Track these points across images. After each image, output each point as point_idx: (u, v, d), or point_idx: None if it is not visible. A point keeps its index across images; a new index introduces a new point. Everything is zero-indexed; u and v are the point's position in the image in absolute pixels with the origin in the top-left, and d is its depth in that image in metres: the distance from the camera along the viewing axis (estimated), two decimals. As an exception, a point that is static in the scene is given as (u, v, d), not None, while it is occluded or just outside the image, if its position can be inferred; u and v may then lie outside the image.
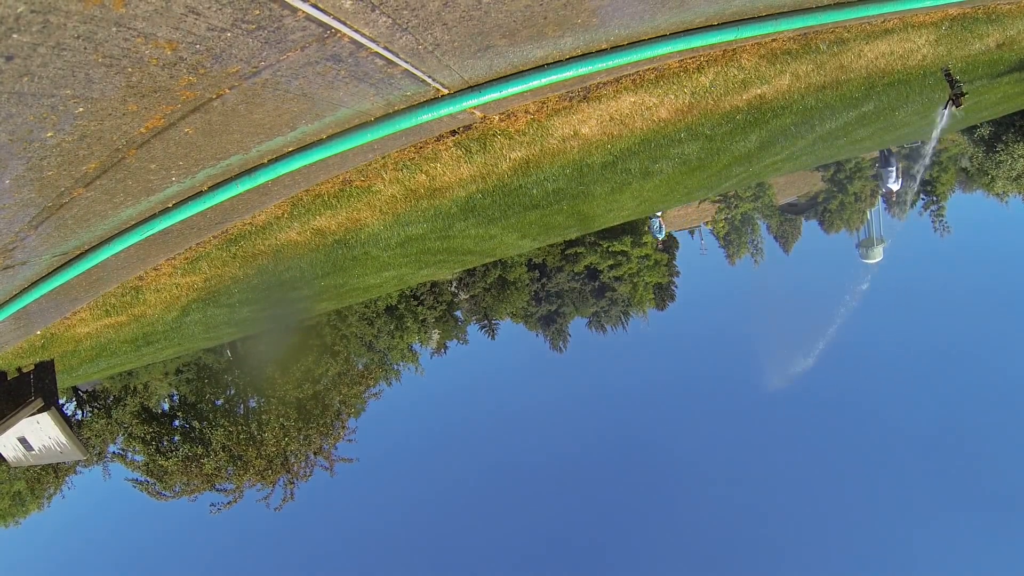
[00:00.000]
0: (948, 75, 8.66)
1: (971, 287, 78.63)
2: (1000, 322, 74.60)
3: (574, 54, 5.55)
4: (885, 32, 7.91)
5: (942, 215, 49.44)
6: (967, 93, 8.78)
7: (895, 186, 17.72)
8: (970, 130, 28.79)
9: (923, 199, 49.92)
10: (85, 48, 2.48)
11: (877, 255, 54.34)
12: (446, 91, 5.31)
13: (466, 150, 7.79)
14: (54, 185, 3.78)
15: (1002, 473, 65.44)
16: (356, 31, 3.45)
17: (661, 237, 43.70)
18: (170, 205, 5.65)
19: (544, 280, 51.28)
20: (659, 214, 36.10)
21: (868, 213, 53.77)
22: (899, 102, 10.54)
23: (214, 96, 3.52)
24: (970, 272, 79.56)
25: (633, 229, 47.38)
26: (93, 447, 28.84)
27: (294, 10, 2.93)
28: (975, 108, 14.79)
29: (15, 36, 2.21)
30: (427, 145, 7.67)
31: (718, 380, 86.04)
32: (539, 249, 46.24)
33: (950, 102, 8.84)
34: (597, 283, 52.58)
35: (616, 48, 5.70)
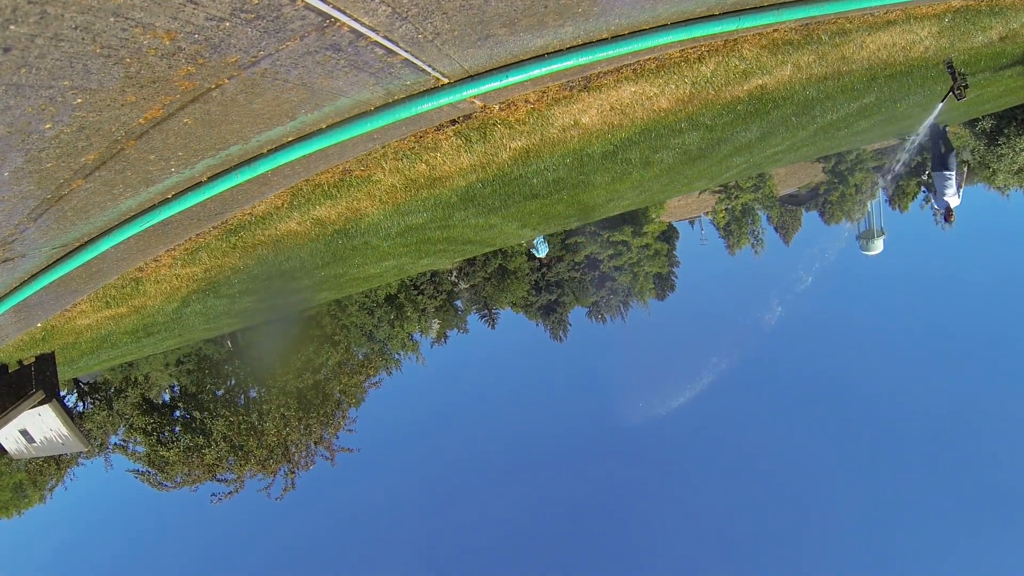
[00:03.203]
0: (951, 67, 8.61)
1: (972, 281, 78.68)
2: (1001, 316, 74.70)
3: (575, 43, 5.51)
4: (887, 23, 7.86)
5: (943, 207, 49.34)
6: (969, 86, 8.74)
7: (954, 200, 12.10)
8: (972, 123, 28.70)
9: (924, 192, 49.86)
10: (83, 39, 2.47)
11: (877, 247, 54.26)
12: (446, 80, 5.29)
13: (466, 139, 7.77)
14: (53, 177, 3.77)
15: (1005, 467, 65.76)
16: (355, 20, 3.43)
17: (541, 255, 37.36)
18: (170, 196, 5.64)
19: (544, 270, 51.31)
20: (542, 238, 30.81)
21: (869, 205, 53.69)
22: (901, 94, 10.50)
23: (213, 86, 3.51)
24: (971, 266, 79.56)
25: (633, 219, 47.36)
26: (94, 438, 28.95)
27: (293, -1, 2.92)
28: (977, 101, 14.73)
29: (12, 27, 2.20)
30: (427, 134, 7.64)
31: (716, 373, 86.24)
32: (539, 240, 46.12)
33: (951, 94, 8.80)
34: (597, 273, 52.63)
35: (617, 37, 5.66)
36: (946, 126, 13.77)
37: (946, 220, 13.74)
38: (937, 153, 13.37)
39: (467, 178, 8.75)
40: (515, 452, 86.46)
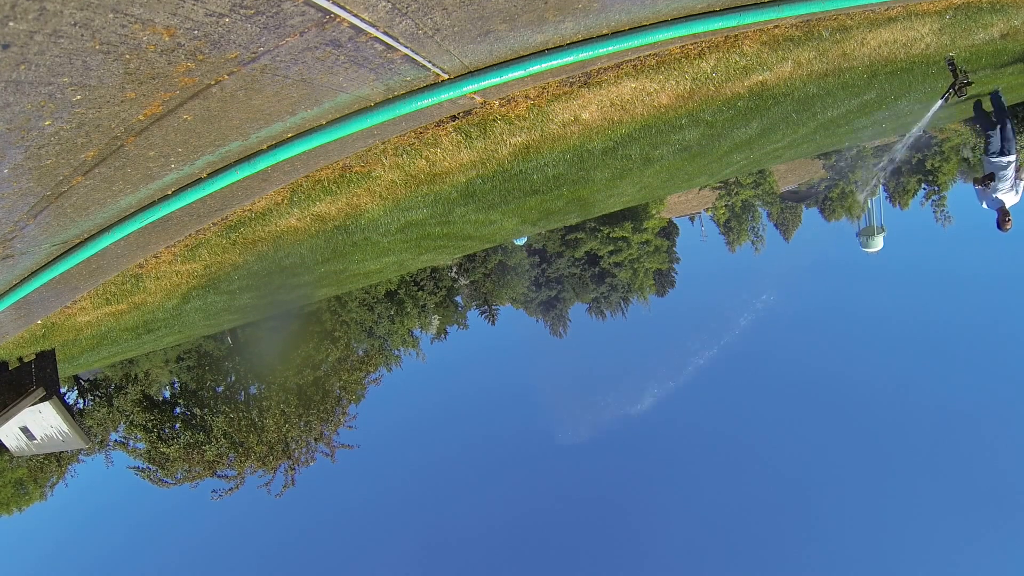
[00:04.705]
0: (951, 64, 8.60)
1: (972, 279, 78.67)
2: (1001, 315, 74.73)
3: (575, 39, 5.50)
4: (888, 20, 7.85)
5: (943, 205, 49.50)
6: (971, 83, 8.71)
7: (1011, 198, 9.38)
8: (972, 120, 28.66)
9: (924, 188, 49.94)
10: (82, 35, 2.46)
11: (877, 244, 54.21)
12: (446, 76, 5.28)
13: (466, 135, 7.76)
14: (53, 174, 3.77)
15: (1005, 468, 65.85)
16: (355, 16, 3.42)
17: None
18: (169, 192, 5.63)
19: (544, 266, 51.37)
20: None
21: (869, 202, 53.62)
22: (901, 91, 10.47)
23: (213, 82, 3.50)
24: (971, 264, 79.52)
25: (633, 215, 47.34)
26: (95, 435, 28.99)
27: (293, -5, 2.91)
28: (977, 99, 14.69)
29: (11, 24, 2.19)
30: (427, 130, 7.63)
31: (715, 369, 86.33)
32: (539, 235, 46.34)
33: (951, 91, 8.77)
34: (597, 269, 52.64)
35: (617, 33, 5.65)
36: (997, 91, 10.11)
37: (999, 226, 9.51)
38: (989, 133, 9.80)
39: (467, 174, 8.75)
40: (515, 448, 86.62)
